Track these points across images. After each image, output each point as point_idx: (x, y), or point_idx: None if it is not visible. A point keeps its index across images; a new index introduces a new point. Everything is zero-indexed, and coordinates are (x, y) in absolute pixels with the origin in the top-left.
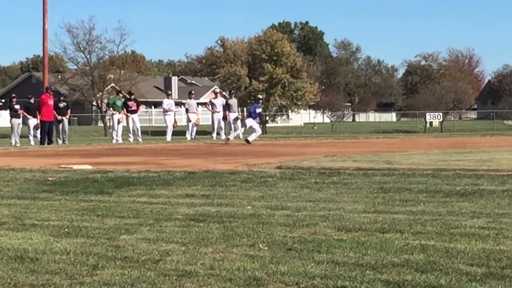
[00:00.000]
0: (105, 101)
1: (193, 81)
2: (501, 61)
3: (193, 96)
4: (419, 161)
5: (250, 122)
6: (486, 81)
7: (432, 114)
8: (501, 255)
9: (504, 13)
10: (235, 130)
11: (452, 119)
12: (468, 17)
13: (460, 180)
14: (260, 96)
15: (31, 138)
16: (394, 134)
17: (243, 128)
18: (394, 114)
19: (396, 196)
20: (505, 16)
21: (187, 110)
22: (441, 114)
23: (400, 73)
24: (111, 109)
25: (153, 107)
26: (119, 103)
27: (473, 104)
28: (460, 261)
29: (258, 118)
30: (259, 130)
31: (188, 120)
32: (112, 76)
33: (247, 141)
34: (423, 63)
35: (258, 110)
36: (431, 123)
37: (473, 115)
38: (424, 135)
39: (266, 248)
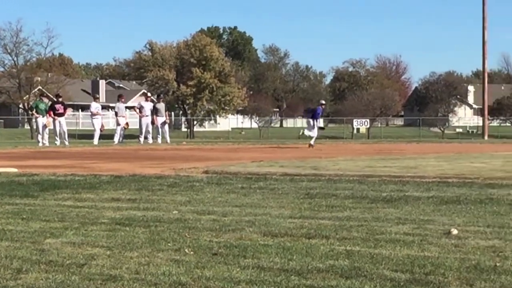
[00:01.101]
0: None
1: (121, 85)
2: (428, 69)
3: (122, 99)
4: (345, 167)
5: (314, 122)
6: (413, 88)
7: (359, 120)
8: (425, 261)
9: (431, 21)
10: (163, 134)
11: (379, 125)
12: (395, 24)
13: (386, 187)
14: (324, 102)
15: None
16: (321, 140)
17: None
18: (321, 120)
19: (322, 201)
20: (432, 23)
21: (116, 114)
22: (368, 120)
23: (328, 79)
24: (34, 112)
25: (80, 110)
26: (42, 106)
27: (400, 111)
28: (384, 267)
29: (317, 121)
30: (315, 132)
31: (117, 124)
32: (39, 78)
33: (311, 145)
34: (351, 69)
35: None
36: (358, 129)
37: (400, 122)
38: (351, 141)
39: (191, 252)
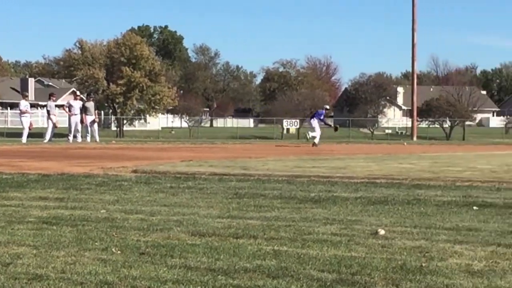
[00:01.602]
0: None
1: (50, 83)
2: (358, 70)
3: (54, 98)
4: (274, 167)
5: (314, 123)
6: (343, 89)
7: (289, 120)
8: (352, 262)
9: (361, 22)
10: (92, 133)
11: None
12: (326, 25)
13: (314, 187)
14: (327, 107)
15: None
16: (251, 140)
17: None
18: (251, 120)
19: (250, 201)
20: (362, 25)
21: (48, 112)
22: (298, 121)
23: (258, 79)
24: None
25: (9, 108)
26: None
27: (330, 112)
28: (311, 267)
29: (320, 121)
30: (319, 131)
31: (49, 122)
32: None
33: (314, 144)
34: (281, 70)
35: (322, 116)
36: (288, 129)
37: (329, 122)
38: (281, 142)
39: (118, 252)
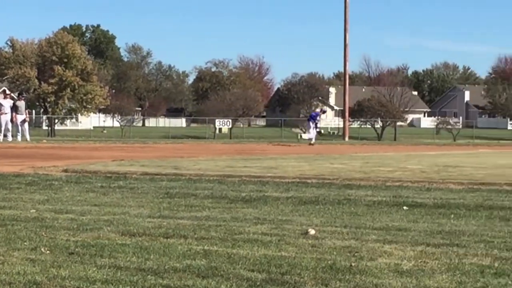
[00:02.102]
0: None
1: None
2: (290, 70)
3: None
4: (206, 167)
5: (309, 124)
6: (275, 89)
7: (221, 120)
8: (282, 261)
9: (294, 22)
10: (23, 132)
11: (241, 126)
12: (258, 25)
13: (245, 187)
14: (325, 109)
15: None
16: (183, 140)
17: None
18: (184, 119)
19: (181, 201)
20: (295, 25)
21: None
22: (230, 120)
23: (191, 79)
24: None
25: None
26: None
27: (262, 112)
28: (241, 267)
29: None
30: (313, 132)
31: None
32: None
33: (311, 144)
34: (213, 69)
35: (318, 117)
36: (220, 129)
37: (262, 122)
38: (213, 141)
39: (48, 252)
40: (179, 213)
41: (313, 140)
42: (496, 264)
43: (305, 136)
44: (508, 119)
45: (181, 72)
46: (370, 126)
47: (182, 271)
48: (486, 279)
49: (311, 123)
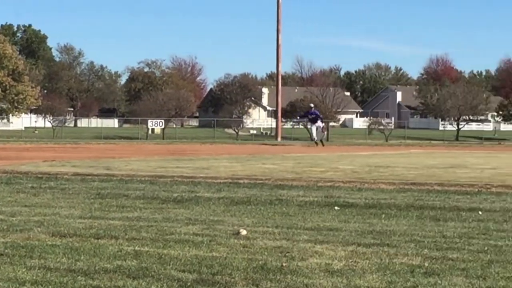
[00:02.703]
0: None
1: None
2: (223, 70)
3: None
4: (138, 167)
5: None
6: (208, 90)
7: (154, 121)
8: (213, 262)
9: (226, 22)
10: None
11: (174, 126)
12: (191, 25)
13: (177, 187)
14: (312, 105)
15: None
16: (115, 140)
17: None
18: (116, 120)
19: (113, 202)
20: (227, 25)
21: None
22: (163, 121)
23: (123, 80)
24: None
25: None
26: None
27: (195, 112)
28: (172, 267)
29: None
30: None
31: None
32: None
33: (316, 143)
34: (146, 70)
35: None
36: (153, 130)
37: (195, 123)
38: (145, 142)
39: None
40: (110, 214)
41: (316, 138)
42: (426, 264)
43: (317, 138)
44: (440, 120)
45: (113, 73)
46: (302, 127)
47: (113, 272)
48: (416, 279)
49: (319, 122)
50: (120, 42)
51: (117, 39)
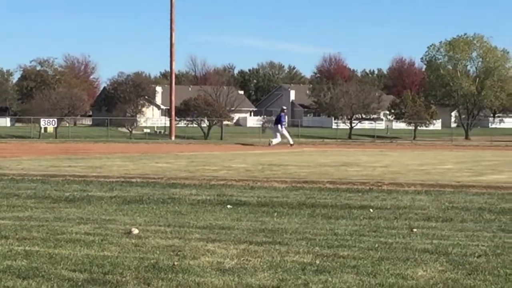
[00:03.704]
0: None
1: None
2: (117, 69)
3: None
4: (29, 166)
5: (278, 128)
6: (101, 88)
7: (47, 119)
8: (104, 261)
9: (119, 21)
10: None
11: (67, 125)
12: (83, 23)
13: (69, 186)
14: (285, 108)
15: None
16: (7, 139)
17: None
18: (8, 119)
19: (3, 201)
20: (121, 23)
21: None
22: (56, 120)
23: (15, 78)
24: None
25: None
26: None
27: (89, 111)
28: (63, 267)
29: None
30: (279, 137)
31: None
32: None
33: (291, 145)
34: (38, 68)
35: (283, 118)
36: (45, 128)
37: (88, 121)
38: (38, 141)
39: None
40: (0, 214)
41: (278, 140)
42: (317, 261)
43: (275, 141)
44: (333, 118)
45: (5, 71)
46: (196, 125)
47: (2, 272)
48: (307, 276)
49: (279, 127)
50: (11, 40)
51: (9, 37)
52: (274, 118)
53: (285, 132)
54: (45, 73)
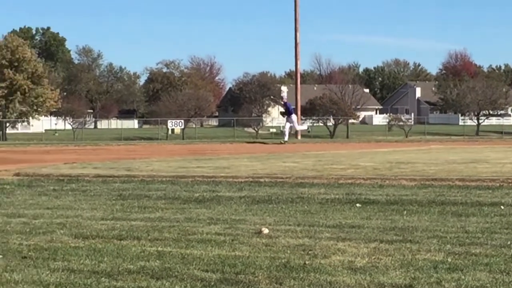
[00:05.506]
0: None
1: None
2: (242, 69)
3: None
4: (159, 168)
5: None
6: (227, 89)
7: (173, 121)
8: (236, 261)
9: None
10: None
11: (194, 126)
12: (209, 25)
13: (198, 187)
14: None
15: None
16: (136, 141)
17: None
18: (136, 121)
19: (134, 203)
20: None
21: None
22: (182, 121)
23: (142, 80)
24: None
25: None
26: None
27: (214, 112)
28: (195, 267)
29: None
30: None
31: None
32: None
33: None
34: (165, 70)
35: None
36: (172, 130)
37: (214, 122)
38: (166, 142)
39: (0, 256)
40: (132, 215)
41: (301, 127)
42: (449, 259)
43: (299, 128)
44: (460, 115)
45: (132, 74)
46: (322, 124)
47: (136, 272)
48: (440, 274)
49: (292, 117)
50: (138, 43)
51: (136, 40)
52: (400, 116)
53: (287, 126)
54: (171, 75)
